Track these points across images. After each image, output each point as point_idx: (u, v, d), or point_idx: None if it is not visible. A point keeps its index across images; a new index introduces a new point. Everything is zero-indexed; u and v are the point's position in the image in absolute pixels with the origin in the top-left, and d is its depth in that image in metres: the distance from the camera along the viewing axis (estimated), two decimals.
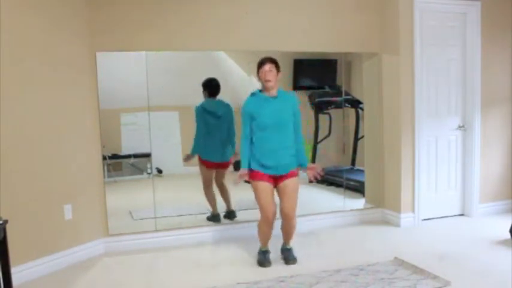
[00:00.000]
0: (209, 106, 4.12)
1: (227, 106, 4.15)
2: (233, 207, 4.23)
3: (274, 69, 3.19)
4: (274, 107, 3.18)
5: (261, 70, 3.19)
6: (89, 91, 3.55)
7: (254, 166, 3.22)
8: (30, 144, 3.15)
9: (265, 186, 3.18)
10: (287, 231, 3.33)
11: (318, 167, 3.30)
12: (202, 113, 4.12)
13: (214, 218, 4.16)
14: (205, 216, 4.17)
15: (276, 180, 3.23)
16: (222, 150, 4.21)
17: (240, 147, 3.26)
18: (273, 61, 3.22)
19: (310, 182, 3.85)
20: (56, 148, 3.31)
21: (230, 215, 4.22)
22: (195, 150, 4.20)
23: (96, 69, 3.58)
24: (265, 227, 3.23)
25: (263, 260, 3.27)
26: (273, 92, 3.21)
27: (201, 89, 4.13)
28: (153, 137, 3.93)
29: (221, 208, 4.22)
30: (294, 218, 3.25)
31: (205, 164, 4.18)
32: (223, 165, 4.23)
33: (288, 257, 3.33)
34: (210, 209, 4.19)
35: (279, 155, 3.17)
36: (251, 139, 3.23)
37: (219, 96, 4.14)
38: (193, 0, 3.76)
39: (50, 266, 3.25)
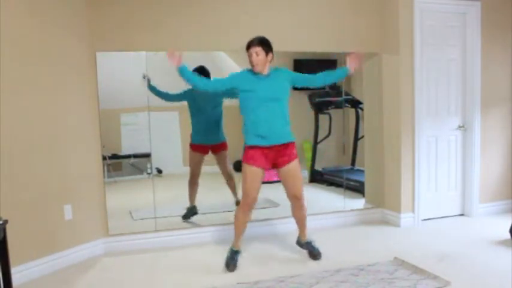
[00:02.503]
0: (199, 95, 4.11)
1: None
2: (239, 196, 4.26)
3: (261, 52, 3.10)
4: (267, 83, 3.13)
5: (248, 53, 3.13)
6: (88, 91, 3.55)
7: (249, 140, 3.15)
8: (30, 144, 3.15)
9: (255, 171, 3.12)
10: (300, 217, 3.33)
11: (357, 54, 3.32)
12: (192, 100, 4.13)
13: (190, 210, 4.14)
14: (205, 216, 4.17)
15: (275, 158, 3.16)
16: (213, 132, 4.20)
17: (191, 73, 3.19)
18: (261, 42, 3.12)
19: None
20: (56, 148, 3.31)
21: (237, 204, 4.24)
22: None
23: (96, 69, 3.58)
24: (244, 212, 3.19)
25: (230, 261, 3.20)
26: (265, 72, 3.16)
27: None
28: (153, 137, 3.93)
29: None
30: (303, 198, 3.26)
31: (198, 149, 4.17)
32: (220, 147, 4.21)
33: (313, 251, 3.34)
34: (188, 205, 4.17)
35: (274, 123, 3.12)
36: (218, 93, 3.27)
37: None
38: (194, 1, 3.76)
39: (50, 266, 3.25)
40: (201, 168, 4.20)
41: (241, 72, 3.24)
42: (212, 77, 4.09)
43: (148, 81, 3.89)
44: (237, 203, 4.24)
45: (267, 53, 3.13)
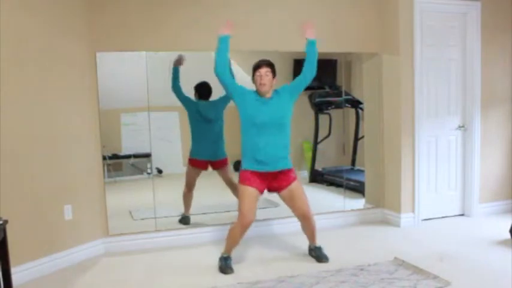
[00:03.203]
0: (202, 108, 4.12)
1: (217, 105, 4.12)
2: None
3: (270, 74, 3.13)
4: (270, 108, 3.13)
5: (256, 73, 3.13)
6: (89, 91, 3.55)
7: (246, 164, 3.15)
8: (30, 144, 3.15)
9: (251, 192, 3.12)
10: (310, 231, 3.35)
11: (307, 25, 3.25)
12: (194, 112, 4.12)
13: (184, 219, 4.09)
14: (205, 216, 4.18)
15: (272, 183, 3.18)
16: (214, 148, 4.15)
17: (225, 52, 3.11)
18: (270, 64, 3.16)
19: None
20: (56, 148, 3.31)
21: None
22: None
23: (96, 69, 3.57)
24: (238, 233, 3.16)
25: (224, 266, 3.16)
26: (268, 95, 3.17)
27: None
28: (153, 137, 3.93)
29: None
30: (311, 217, 3.27)
31: (197, 164, 4.12)
32: (220, 163, 4.17)
33: (319, 255, 3.33)
34: (183, 211, 4.14)
35: (273, 151, 3.12)
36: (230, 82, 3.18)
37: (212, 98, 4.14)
38: (194, 1, 3.76)
39: (50, 266, 3.25)
40: (196, 183, 4.14)
41: (248, 90, 3.20)
42: (204, 80, 4.10)
43: (179, 65, 3.91)
44: None
45: (273, 76, 3.16)
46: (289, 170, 3.22)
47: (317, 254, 3.35)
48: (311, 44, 3.27)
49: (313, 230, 3.35)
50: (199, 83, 4.13)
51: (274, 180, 3.20)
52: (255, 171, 3.14)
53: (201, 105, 4.11)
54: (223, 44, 3.12)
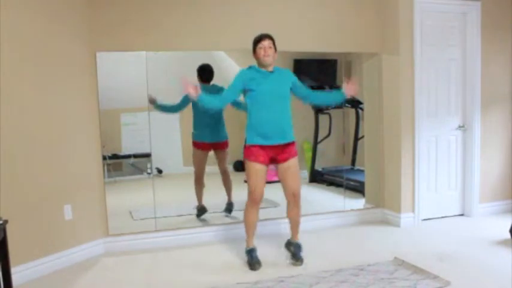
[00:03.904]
0: (202, 91, 4.12)
1: (220, 90, 4.15)
2: (232, 199, 4.29)
3: (273, 46, 3.16)
4: (272, 80, 3.15)
5: (259, 45, 3.14)
6: (89, 91, 3.55)
7: (251, 139, 3.17)
8: (30, 144, 3.15)
9: (259, 168, 3.15)
10: (295, 217, 3.32)
11: (353, 84, 3.26)
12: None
13: (201, 211, 4.20)
14: (206, 216, 4.18)
15: (275, 155, 3.18)
16: (216, 130, 4.22)
17: (209, 97, 3.17)
18: (272, 38, 3.18)
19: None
20: (56, 148, 3.31)
21: (229, 206, 4.26)
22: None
23: (96, 69, 3.57)
24: (251, 212, 3.22)
25: (251, 261, 3.21)
26: (270, 68, 3.18)
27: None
28: (153, 137, 3.93)
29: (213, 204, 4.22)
30: (300, 198, 3.27)
31: (200, 146, 4.19)
32: (222, 145, 4.24)
33: (296, 255, 3.28)
34: (197, 204, 4.24)
35: (278, 123, 3.14)
36: (232, 103, 3.30)
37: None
38: (193, 0, 3.76)
39: (50, 266, 3.25)
40: (205, 166, 4.21)
41: (242, 72, 3.23)
42: (206, 63, 4.16)
43: (155, 102, 3.92)
44: (229, 205, 4.28)
45: (275, 50, 3.19)
46: (292, 144, 3.23)
47: (294, 252, 3.32)
48: (341, 96, 3.32)
49: (298, 217, 3.33)
50: (201, 65, 4.15)
51: (277, 153, 3.20)
52: (259, 145, 3.15)
53: (202, 89, 4.13)
54: (204, 102, 3.15)
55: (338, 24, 4.15)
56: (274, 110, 3.13)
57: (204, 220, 4.15)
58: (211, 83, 4.18)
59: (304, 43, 4.07)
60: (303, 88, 3.30)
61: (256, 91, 3.13)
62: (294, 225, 3.38)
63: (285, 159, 3.21)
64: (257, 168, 3.15)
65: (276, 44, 3.20)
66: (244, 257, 3.31)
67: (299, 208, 3.32)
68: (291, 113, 3.23)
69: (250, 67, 3.23)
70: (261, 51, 3.14)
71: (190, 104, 4.12)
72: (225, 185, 4.31)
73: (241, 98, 3.32)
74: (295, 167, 3.24)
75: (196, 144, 4.24)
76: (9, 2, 2.97)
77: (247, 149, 3.19)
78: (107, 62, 3.64)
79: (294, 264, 3.25)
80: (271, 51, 3.14)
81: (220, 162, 4.27)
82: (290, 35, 3.98)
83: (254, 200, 3.19)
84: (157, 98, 3.95)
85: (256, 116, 3.15)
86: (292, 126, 3.24)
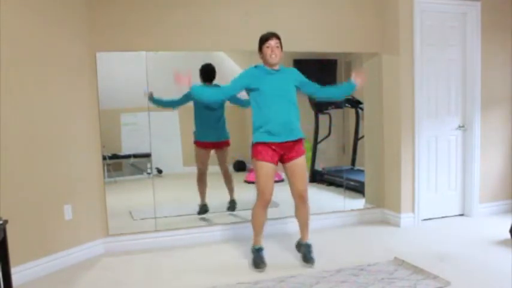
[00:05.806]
0: None
1: None
2: (235, 196, 4.31)
3: (279, 45, 3.15)
4: (279, 79, 3.15)
5: (266, 44, 3.12)
6: (89, 91, 3.55)
7: (259, 136, 3.13)
8: (30, 144, 3.15)
9: (267, 167, 3.12)
10: (304, 218, 3.29)
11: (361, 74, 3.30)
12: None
13: (202, 209, 4.22)
14: (206, 216, 4.18)
15: (283, 152, 3.15)
16: (217, 129, 4.24)
17: (204, 88, 3.15)
18: (279, 37, 3.17)
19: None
20: (55, 148, 3.31)
21: (232, 204, 4.27)
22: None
23: (96, 69, 3.57)
24: (259, 212, 3.19)
25: (257, 260, 3.19)
26: (276, 67, 3.18)
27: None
28: (153, 137, 3.93)
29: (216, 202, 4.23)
30: (307, 199, 3.24)
31: (202, 145, 4.21)
32: (223, 144, 4.25)
33: (307, 256, 3.25)
34: (199, 202, 4.25)
35: (286, 120, 3.11)
36: (235, 100, 3.31)
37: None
38: (194, 1, 3.76)
39: (50, 266, 3.25)
40: (208, 165, 4.23)
41: (250, 70, 3.21)
42: (208, 62, 4.16)
43: (151, 95, 3.90)
44: (232, 202, 4.29)
45: (281, 48, 3.18)
46: (300, 142, 3.20)
47: (304, 253, 3.29)
48: (351, 86, 3.32)
49: (306, 218, 3.30)
50: (203, 65, 4.15)
51: (286, 152, 3.17)
52: (267, 143, 3.12)
53: None
54: (197, 93, 3.16)
55: (338, 24, 4.15)
56: (281, 108, 3.11)
57: (204, 220, 4.15)
58: (214, 82, 4.17)
59: (304, 43, 4.07)
60: (310, 84, 3.29)
61: (262, 90, 3.12)
62: (303, 226, 3.34)
63: (293, 158, 3.18)
64: (266, 168, 3.12)
65: (282, 42, 3.20)
66: (249, 256, 3.29)
67: (307, 208, 3.28)
68: (299, 110, 3.21)
69: (257, 66, 3.21)
70: (268, 51, 3.13)
71: (192, 104, 4.12)
72: (227, 185, 4.31)
73: (241, 96, 3.31)
74: (302, 167, 3.21)
75: (198, 144, 4.25)
76: (9, 3, 2.97)
77: (255, 147, 3.16)
78: (107, 62, 3.64)
79: (305, 266, 3.22)
80: (278, 51, 3.13)
81: (221, 161, 4.27)
82: (290, 35, 3.97)
83: (264, 202, 3.16)
84: (157, 97, 3.95)
85: (263, 115, 3.12)
86: (299, 122, 3.21)
